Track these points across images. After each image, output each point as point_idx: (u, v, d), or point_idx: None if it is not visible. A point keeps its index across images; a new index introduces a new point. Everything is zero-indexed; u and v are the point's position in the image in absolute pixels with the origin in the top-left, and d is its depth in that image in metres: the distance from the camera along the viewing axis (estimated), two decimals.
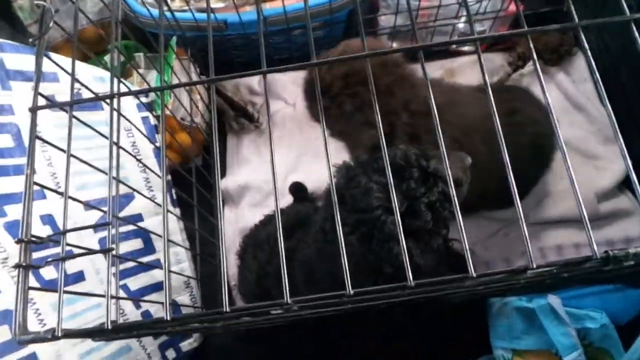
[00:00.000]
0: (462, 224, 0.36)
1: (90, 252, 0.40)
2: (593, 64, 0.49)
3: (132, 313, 0.91)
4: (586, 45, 0.50)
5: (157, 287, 0.98)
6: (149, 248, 0.98)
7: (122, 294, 0.91)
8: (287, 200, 1.06)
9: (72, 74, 0.47)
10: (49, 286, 0.78)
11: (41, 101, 0.45)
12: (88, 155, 0.72)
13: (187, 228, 1.07)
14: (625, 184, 1.07)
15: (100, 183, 0.92)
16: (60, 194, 0.45)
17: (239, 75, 0.42)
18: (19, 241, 0.39)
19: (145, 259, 0.96)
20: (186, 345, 1.00)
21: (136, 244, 0.96)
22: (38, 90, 0.45)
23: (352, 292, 0.36)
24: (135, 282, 0.94)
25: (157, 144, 0.99)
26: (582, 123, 1.14)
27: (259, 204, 1.09)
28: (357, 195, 0.56)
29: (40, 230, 0.83)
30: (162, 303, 0.36)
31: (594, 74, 0.49)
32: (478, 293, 0.78)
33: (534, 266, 0.36)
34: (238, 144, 1.19)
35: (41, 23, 0.46)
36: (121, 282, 0.94)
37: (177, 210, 1.06)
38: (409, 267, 0.35)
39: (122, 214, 0.95)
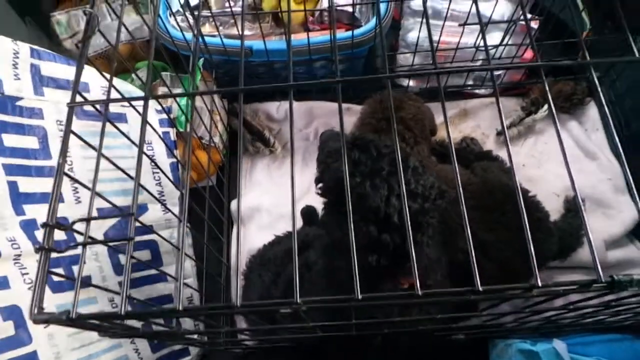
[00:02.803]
0: (469, 233, 0.37)
1: (111, 240, 0.42)
2: (606, 108, 0.52)
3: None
4: (598, 85, 0.52)
5: (159, 300, 0.98)
6: (157, 260, 1.00)
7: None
8: (297, 225, 1.08)
9: (111, 77, 0.50)
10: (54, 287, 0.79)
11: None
12: (107, 166, 0.75)
13: (195, 247, 1.08)
14: (634, 234, 1.07)
15: (116, 193, 0.95)
16: (87, 187, 0.47)
17: (267, 88, 0.45)
18: (44, 225, 0.41)
19: (153, 272, 0.97)
20: None
21: (145, 255, 0.98)
22: (77, 89, 0.48)
23: (360, 296, 0.37)
24: (139, 294, 0.95)
25: (175, 160, 1.03)
26: (593, 171, 1.15)
27: (268, 227, 1.10)
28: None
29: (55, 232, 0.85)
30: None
31: (606, 118, 0.52)
32: (487, 328, 0.78)
33: (540, 285, 0.36)
34: (252, 167, 1.22)
35: (87, 27, 0.49)
36: None
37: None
38: (416, 275, 0.36)
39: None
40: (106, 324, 0.45)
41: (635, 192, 0.46)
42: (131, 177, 0.50)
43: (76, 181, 0.47)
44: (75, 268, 0.86)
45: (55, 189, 0.42)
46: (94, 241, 0.40)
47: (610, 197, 1.10)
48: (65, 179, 0.86)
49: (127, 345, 0.88)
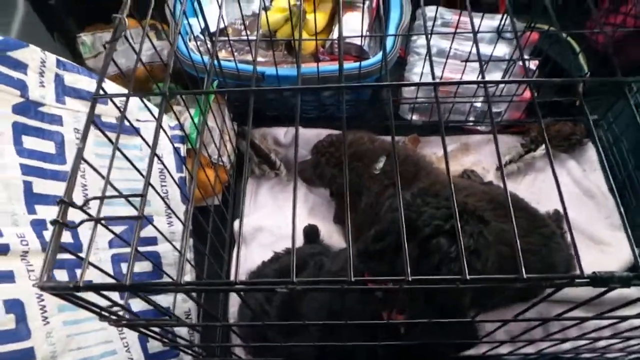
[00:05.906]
0: (459, 228, 0.39)
1: (122, 218, 0.44)
2: (601, 149, 0.55)
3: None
4: (592, 125, 0.55)
5: (157, 313, 0.99)
6: (158, 273, 1.01)
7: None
8: (298, 244, 1.10)
9: (133, 71, 0.54)
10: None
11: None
12: (119, 176, 0.78)
13: (196, 262, 1.10)
14: (632, 272, 1.07)
15: (124, 202, 0.97)
16: (101, 175, 0.50)
17: (276, 89, 0.48)
18: (60, 201, 0.43)
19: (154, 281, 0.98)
20: None
21: (147, 266, 0.99)
22: (101, 84, 0.52)
23: (353, 279, 0.38)
24: (138, 302, 0.95)
25: (184, 175, 1.06)
26: (591, 210, 1.17)
27: (269, 246, 1.11)
28: None
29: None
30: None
31: (603, 163, 0.54)
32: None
33: (525, 277, 0.38)
34: (257, 189, 1.25)
35: (115, 31, 0.54)
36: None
37: (191, 242, 1.09)
38: (408, 260, 0.39)
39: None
40: (108, 309, 0.47)
41: (630, 233, 0.47)
42: (142, 174, 0.53)
43: (91, 166, 0.50)
44: (78, 272, 0.88)
45: (74, 171, 0.45)
46: (106, 218, 0.43)
47: (607, 235, 1.11)
48: (77, 184, 0.90)
49: (122, 353, 0.88)
